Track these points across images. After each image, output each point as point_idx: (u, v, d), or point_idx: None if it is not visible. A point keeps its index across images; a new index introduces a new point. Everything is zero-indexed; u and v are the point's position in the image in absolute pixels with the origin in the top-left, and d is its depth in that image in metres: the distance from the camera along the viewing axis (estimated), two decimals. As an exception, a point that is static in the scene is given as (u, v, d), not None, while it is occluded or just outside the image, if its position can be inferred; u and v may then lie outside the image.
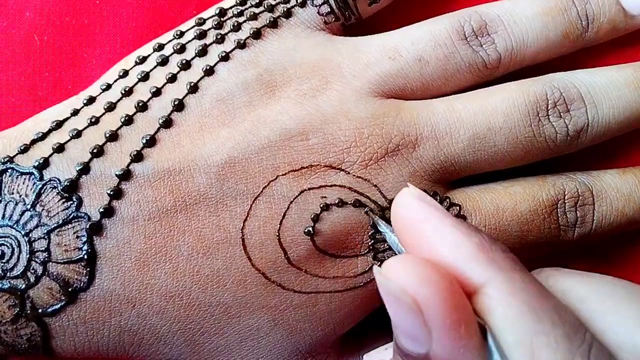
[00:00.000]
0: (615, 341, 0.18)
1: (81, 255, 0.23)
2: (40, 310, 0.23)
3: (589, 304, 0.19)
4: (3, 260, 0.23)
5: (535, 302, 0.17)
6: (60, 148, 0.24)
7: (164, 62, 0.26)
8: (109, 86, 0.26)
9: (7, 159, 0.24)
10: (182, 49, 0.26)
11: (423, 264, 0.17)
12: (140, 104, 0.25)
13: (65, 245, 0.23)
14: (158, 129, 0.25)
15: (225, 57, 0.25)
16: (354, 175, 0.25)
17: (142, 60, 0.26)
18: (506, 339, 0.17)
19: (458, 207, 0.25)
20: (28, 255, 0.23)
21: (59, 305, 0.23)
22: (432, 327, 0.17)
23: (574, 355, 0.16)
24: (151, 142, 0.24)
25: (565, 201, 0.26)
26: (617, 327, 0.18)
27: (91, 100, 0.25)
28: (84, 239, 0.23)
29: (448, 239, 0.18)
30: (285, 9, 0.26)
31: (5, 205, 0.23)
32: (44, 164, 0.24)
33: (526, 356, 0.17)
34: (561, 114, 0.26)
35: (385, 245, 0.25)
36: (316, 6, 0.26)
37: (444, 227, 0.18)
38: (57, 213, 0.23)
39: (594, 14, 0.27)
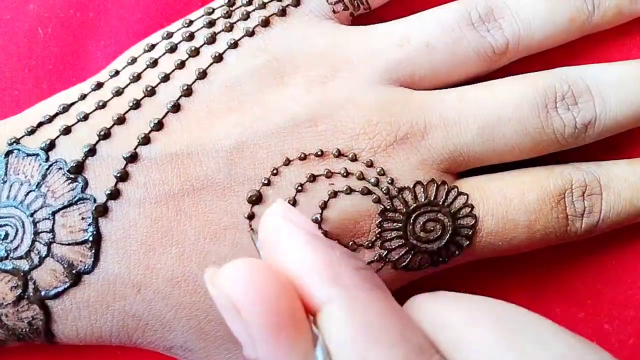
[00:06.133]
0: None
1: (86, 237, 0.23)
2: (43, 293, 0.23)
3: (456, 332, 0.17)
4: (7, 241, 0.23)
5: (376, 322, 0.16)
6: (67, 130, 0.24)
7: (172, 49, 0.26)
8: (117, 72, 0.26)
9: (14, 140, 0.24)
10: (191, 37, 0.26)
11: (254, 270, 0.17)
12: (148, 89, 0.25)
13: (70, 226, 0.23)
14: (166, 114, 0.24)
15: (234, 45, 0.25)
16: (363, 163, 0.24)
17: (151, 47, 0.26)
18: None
19: (465, 196, 0.25)
20: (32, 236, 0.23)
21: (62, 288, 0.23)
22: (252, 332, 0.16)
23: None
24: (159, 125, 0.24)
25: (573, 191, 0.26)
26: (481, 353, 0.17)
27: (99, 85, 0.25)
28: (89, 220, 0.23)
29: (295, 254, 0.18)
30: (294, -2, 0.26)
31: (11, 186, 0.23)
32: (50, 145, 0.24)
33: None
34: (569, 106, 0.26)
35: (393, 234, 0.25)
36: (325, -5, 0.26)
37: (297, 243, 0.18)
38: (63, 194, 0.23)
39: None
